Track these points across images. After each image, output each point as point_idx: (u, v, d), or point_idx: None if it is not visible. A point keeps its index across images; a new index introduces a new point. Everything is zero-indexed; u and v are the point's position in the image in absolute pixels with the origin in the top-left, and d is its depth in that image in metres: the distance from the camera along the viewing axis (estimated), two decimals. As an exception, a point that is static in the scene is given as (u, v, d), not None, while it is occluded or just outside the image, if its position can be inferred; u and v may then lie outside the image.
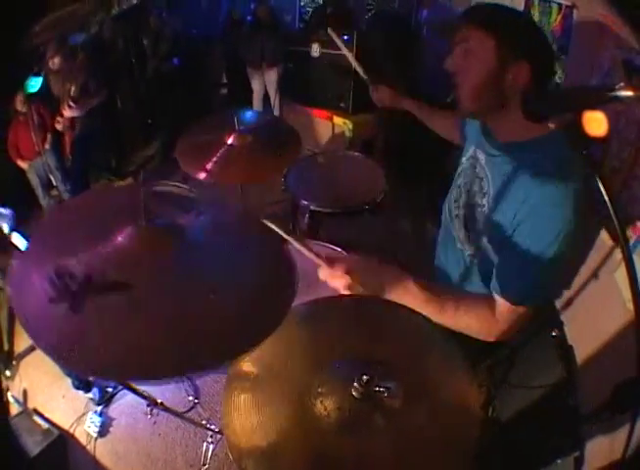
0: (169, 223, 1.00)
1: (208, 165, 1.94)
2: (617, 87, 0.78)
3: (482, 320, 1.23)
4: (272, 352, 1.04)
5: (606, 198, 0.78)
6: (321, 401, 0.92)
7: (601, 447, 1.59)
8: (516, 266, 1.20)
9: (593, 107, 0.79)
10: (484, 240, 1.33)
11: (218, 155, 1.99)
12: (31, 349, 2.73)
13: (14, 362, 2.72)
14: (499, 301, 1.22)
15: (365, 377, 0.89)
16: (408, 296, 1.21)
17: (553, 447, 1.76)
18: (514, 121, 1.20)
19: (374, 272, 1.22)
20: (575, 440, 1.72)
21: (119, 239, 0.92)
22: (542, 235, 1.14)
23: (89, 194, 1.40)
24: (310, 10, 6.47)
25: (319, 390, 0.94)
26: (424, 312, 1.20)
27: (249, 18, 5.12)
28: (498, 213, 1.26)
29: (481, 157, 1.38)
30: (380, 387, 0.91)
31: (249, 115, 2.47)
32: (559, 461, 1.73)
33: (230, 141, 2.03)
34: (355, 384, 0.90)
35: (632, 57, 1.69)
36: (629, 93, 0.77)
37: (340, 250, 1.84)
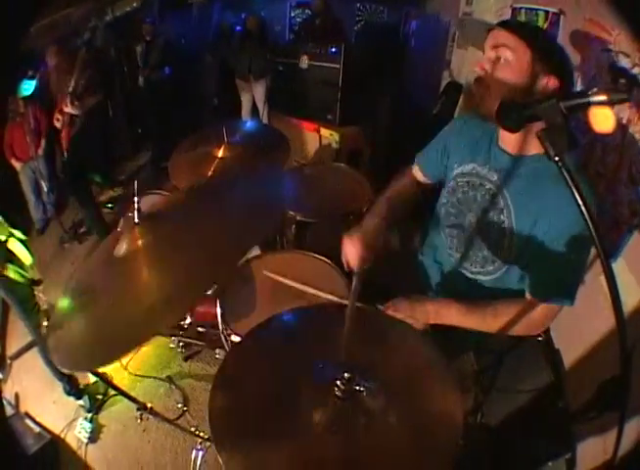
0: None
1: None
2: (590, 93, 0.80)
3: (524, 320, 1.31)
4: (258, 354, 1.06)
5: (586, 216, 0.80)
6: (306, 402, 0.94)
7: (593, 448, 1.60)
8: (555, 272, 1.28)
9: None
10: (513, 254, 1.36)
11: (209, 169, 2.00)
12: (23, 353, 2.71)
13: (6, 364, 2.69)
14: (539, 302, 1.30)
15: (347, 375, 0.94)
16: (452, 313, 1.34)
17: (544, 450, 1.77)
18: (529, 134, 1.25)
19: (413, 305, 1.36)
20: (566, 441, 1.73)
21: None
22: (574, 240, 1.21)
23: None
24: (300, 20, 6.53)
25: (304, 390, 0.96)
26: (469, 324, 1.34)
27: (237, 28, 5.14)
28: (525, 227, 1.30)
29: (491, 173, 1.39)
30: (360, 386, 0.95)
31: (240, 125, 2.49)
32: (550, 464, 1.74)
33: (220, 154, 2.04)
34: (338, 382, 0.94)
35: (618, 60, 1.70)
36: (603, 98, 0.79)
37: (326, 259, 1.86)
